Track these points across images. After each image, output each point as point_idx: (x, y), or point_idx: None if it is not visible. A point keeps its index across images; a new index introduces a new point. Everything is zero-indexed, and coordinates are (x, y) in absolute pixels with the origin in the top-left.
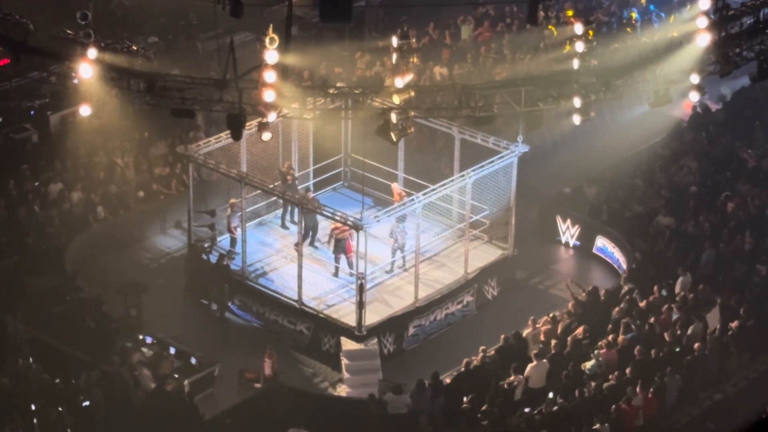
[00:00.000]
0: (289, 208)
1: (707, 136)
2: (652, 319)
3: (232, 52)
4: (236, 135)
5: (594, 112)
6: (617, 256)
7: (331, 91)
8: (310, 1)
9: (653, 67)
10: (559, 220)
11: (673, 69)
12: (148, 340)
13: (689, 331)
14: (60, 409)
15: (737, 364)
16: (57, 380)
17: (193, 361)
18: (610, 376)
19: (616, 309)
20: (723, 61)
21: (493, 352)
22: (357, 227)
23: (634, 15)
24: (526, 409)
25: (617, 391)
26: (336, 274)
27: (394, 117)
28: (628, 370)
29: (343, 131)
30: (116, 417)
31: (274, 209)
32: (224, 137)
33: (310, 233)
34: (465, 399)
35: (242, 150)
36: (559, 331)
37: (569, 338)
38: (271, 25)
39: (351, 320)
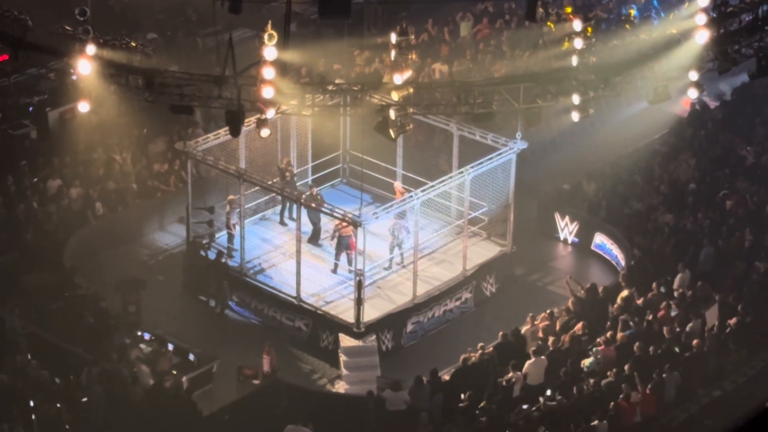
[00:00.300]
0: (288, 204)
1: (706, 133)
2: (650, 316)
3: (231, 49)
4: (235, 131)
5: (593, 109)
6: (616, 253)
7: (330, 87)
8: None
9: (652, 64)
10: (557, 216)
11: (671, 66)
12: (147, 336)
13: (687, 328)
14: (58, 405)
15: (736, 360)
16: (56, 378)
17: (192, 357)
18: (608, 373)
19: (615, 306)
20: (722, 58)
21: (491, 348)
22: (356, 224)
23: (633, 12)
24: (525, 406)
25: (615, 388)
26: (335, 271)
27: (392, 114)
28: (626, 367)
29: (341, 128)
30: (115, 413)
31: (272, 206)
32: (223, 134)
33: (318, 230)
34: (463, 396)
35: (241, 146)
36: (557, 327)
37: (568, 335)
38: (270, 22)
39: (349, 317)
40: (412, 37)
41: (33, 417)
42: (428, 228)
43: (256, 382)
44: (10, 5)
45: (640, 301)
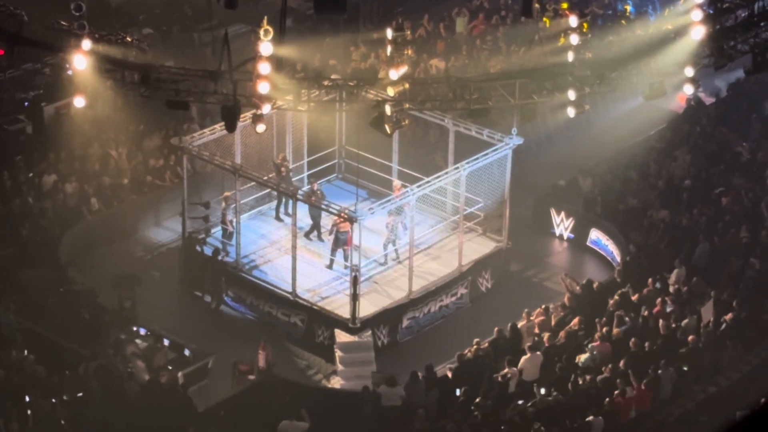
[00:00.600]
0: (284, 200)
1: (701, 129)
2: (645, 312)
3: (227, 44)
4: (230, 127)
5: (588, 105)
6: (611, 249)
7: (326, 83)
8: None
9: (648, 59)
10: (553, 212)
11: (667, 62)
12: (142, 331)
13: (683, 324)
14: (54, 400)
15: (731, 356)
16: (51, 374)
17: (187, 352)
18: (603, 368)
19: (611, 301)
20: (717, 54)
21: (486, 344)
22: (351, 219)
23: (629, 8)
24: (520, 402)
25: (611, 383)
26: (330, 266)
27: (388, 109)
28: (621, 363)
29: (337, 123)
30: (111, 408)
31: (268, 201)
32: (218, 129)
33: (317, 225)
34: (459, 391)
35: (236, 142)
36: (552, 323)
37: (564, 331)
38: (266, 17)
39: (345, 312)
40: (408, 32)
41: (28, 412)
42: (424, 224)
43: (251, 377)
44: (6, 0)
45: (635, 297)
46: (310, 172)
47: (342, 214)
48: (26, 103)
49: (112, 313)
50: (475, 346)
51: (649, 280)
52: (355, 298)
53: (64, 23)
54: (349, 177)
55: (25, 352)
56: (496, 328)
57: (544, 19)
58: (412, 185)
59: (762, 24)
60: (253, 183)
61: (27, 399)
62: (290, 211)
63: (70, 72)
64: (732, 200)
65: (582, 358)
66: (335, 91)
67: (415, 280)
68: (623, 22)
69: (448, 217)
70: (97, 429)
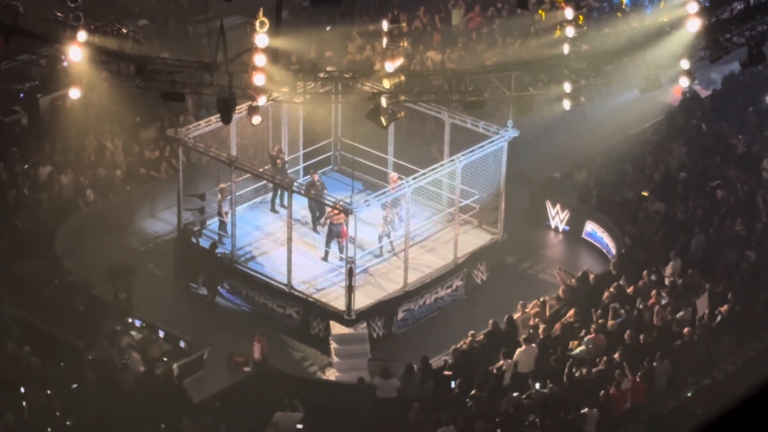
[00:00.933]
0: (279, 192)
1: (697, 122)
2: (640, 305)
3: (223, 36)
4: (226, 118)
5: (584, 97)
6: (606, 241)
7: (322, 75)
8: None
9: (643, 52)
10: (548, 205)
11: (663, 54)
12: (138, 323)
13: (678, 317)
14: (48, 392)
15: (726, 349)
16: (46, 365)
17: (183, 344)
18: (598, 360)
19: (606, 294)
20: (713, 46)
21: (482, 336)
22: (347, 211)
23: (625, 0)
24: (515, 394)
25: (606, 376)
26: (325, 259)
27: (384, 101)
28: (616, 355)
29: (333, 115)
30: (106, 400)
31: (263, 193)
32: (214, 121)
33: (317, 215)
34: (453, 383)
35: (232, 134)
36: (547, 315)
37: (559, 323)
38: (262, 9)
39: (340, 304)
40: (404, 24)
41: (23, 404)
42: (419, 216)
43: (246, 369)
44: None
45: (630, 290)
46: (305, 164)
47: (337, 206)
48: (22, 95)
49: (107, 305)
50: (470, 338)
51: (644, 272)
52: (350, 290)
53: (59, 14)
54: (345, 169)
55: (21, 344)
56: (491, 321)
57: (540, 11)
58: (408, 177)
59: (758, 16)
60: (248, 175)
61: (22, 390)
62: (286, 202)
63: (65, 63)
64: (727, 193)
65: (577, 350)
66: (331, 83)
67: (411, 272)
68: (619, 14)
69: (443, 210)
70: (93, 421)
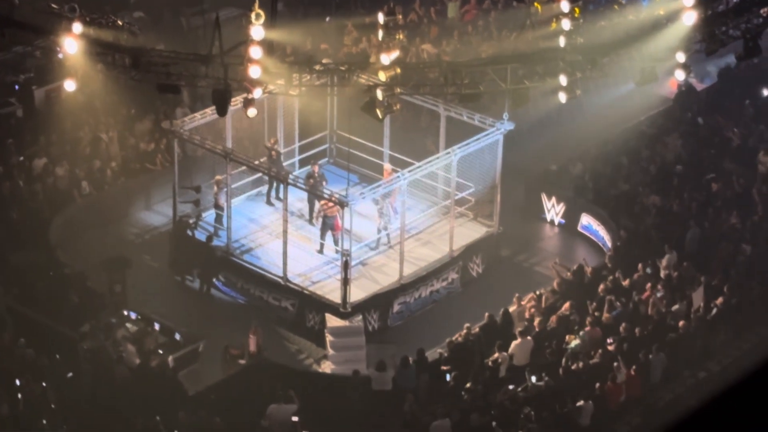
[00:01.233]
0: (275, 184)
1: (693, 115)
2: (636, 298)
3: (218, 28)
4: (221, 111)
5: (580, 90)
6: (602, 234)
7: (317, 67)
8: None
9: (639, 45)
10: (544, 197)
11: (659, 47)
12: (133, 315)
13: (673, 309)
14: (44, 384)
15: (722, 342)
16: (41, 357)
17: (178, 336)
18: (593, 353)
19: (601, 287)
20: (709, 39)
21: (477, 329)
22: (342, 204)
23: None
24: (510, 387)
25: (602, 368)
26: (321, 251)
27: (379, 94)
28: (612, 348)
29: (328, 108)
30: (101, 392)
31: (259, 185)
32: (209, 113)
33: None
34: (449, 376)
35: (228, 126)
36: (543, 308)
37: (555, 316)
38: (257, 1)
39: (336, 297)
40: (400, 17)
41: (18, 396)
42: (415, 208)
43: (242, 361)
44: None
45: (626, 282)
46: (301, 156)
47: (332, 198)
48: (17, 87)
49: (102, 297)
50: (465, 331)
51: (640, 265)
52: (346, 282)
53: (54, 6)
54: (340, 161)
55: (16, 336)
56: (486, 313)
57: (536, 3)
58: (403, 170)
59: (753, 9)
60: (244, 167)
61: (17, 383)
62: (281, 195)
63: (60, 55)
64: (723, 185)
65: (572, 343)
66: (326, 75)
67: (406, 265)
68: (615, 7)
69: (439, 202)
70: (88, 413)
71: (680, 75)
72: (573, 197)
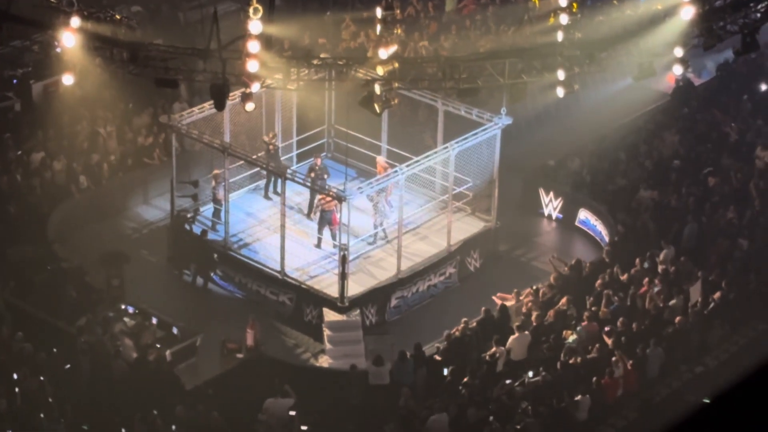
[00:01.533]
0: (273, 178)
1: (690, 110)
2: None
3: (216, 22)
4: (219, 105)
5: (578, 85)
6: (600, 229)
7: (315, 62)
8: None
9: (637, 40)
10: (542, 192)
11: (657, 42)
12: (130, 310)
13: (671, 304)
14: (42, 378)
15: (719, 336)
16: (39, 351)
17: (175, 331)
18: (590, 347)
19: (599, 281)
20: (707, 34)
21: (474, 324)
22: (340, 198)
23: None
24: (508, 381)
25: (599, 363)
26: (318, 245)
27: (377, 88)
28: (609, 342)
29: (326, 102)
30: (99, 386)
31: (258, 179)
32: (207, 107)
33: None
34: (446, 370)
35: (225, 120)
36: (540, 302)
37: (552, 310)
38: None
39: (333, 291)
40: (398, 11)
41: (16, 390)
42: (413, 203)
43: (239, 356)
44: None
45: (624, 277)
46: (299, 150)
47: (330, 192)
48: (15, 81)
49: (100, 291)
50: (463, 326)
51: (637, 260)
52: (343, 277)
53: (52, 0)
54: (338, 156)
55: (13, 330)
56: (483, 308)
57: None
58: (401, 164)
59: (751, 4)
60: (242, 162)
61: (15, 377)
62: (279, 189)
63: (58, 49)
64: (721, 181)
65: (570, 338)
66: (324, 70)
67: (404, 259)
68: (614, 1)
69: (436, 197)
70: (85, 407)
71: (678, 70)
72: (570, 192)
